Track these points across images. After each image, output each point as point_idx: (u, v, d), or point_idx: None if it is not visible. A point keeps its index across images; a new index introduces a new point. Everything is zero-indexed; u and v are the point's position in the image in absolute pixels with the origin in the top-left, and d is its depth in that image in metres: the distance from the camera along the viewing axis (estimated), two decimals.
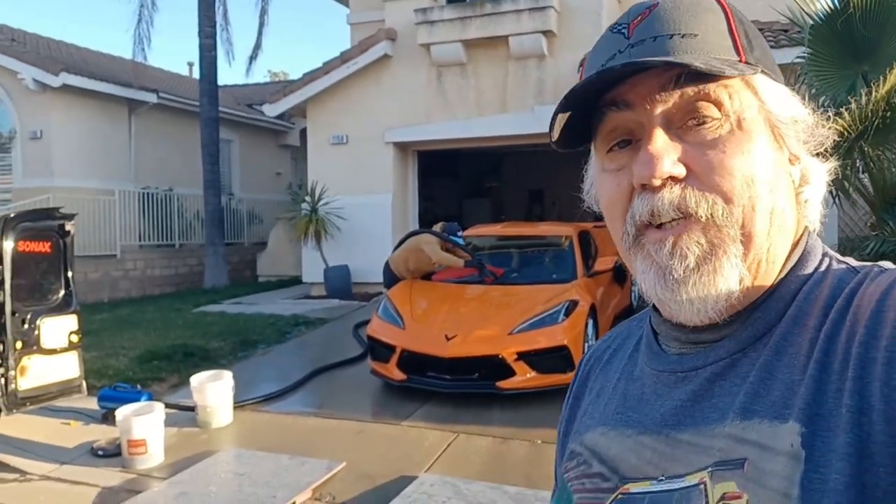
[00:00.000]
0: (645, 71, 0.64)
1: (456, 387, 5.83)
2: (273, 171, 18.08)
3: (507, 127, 10.91)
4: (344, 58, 11.66)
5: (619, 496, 0.66)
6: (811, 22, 5.68)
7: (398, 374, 5.97)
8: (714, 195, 0.63)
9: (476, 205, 16.97)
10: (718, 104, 0.64)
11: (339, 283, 11.29)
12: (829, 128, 0.71)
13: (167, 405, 5.39)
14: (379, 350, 6.22)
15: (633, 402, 0.72)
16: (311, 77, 11.92)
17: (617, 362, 0.80)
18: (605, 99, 0.67)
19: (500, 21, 10.61)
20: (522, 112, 10.77)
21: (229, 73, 73.18)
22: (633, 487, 0.66)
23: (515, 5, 10.51)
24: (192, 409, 5.58)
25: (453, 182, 16.93)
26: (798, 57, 5.77)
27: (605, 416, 0.74)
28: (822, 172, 0.71)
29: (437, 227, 7.46)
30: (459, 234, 7.50)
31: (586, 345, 6.07)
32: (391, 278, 7.31)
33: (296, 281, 13.07)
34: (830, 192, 5.56)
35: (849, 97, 4.89)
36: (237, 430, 5.49)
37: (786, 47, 8.16)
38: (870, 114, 4.60)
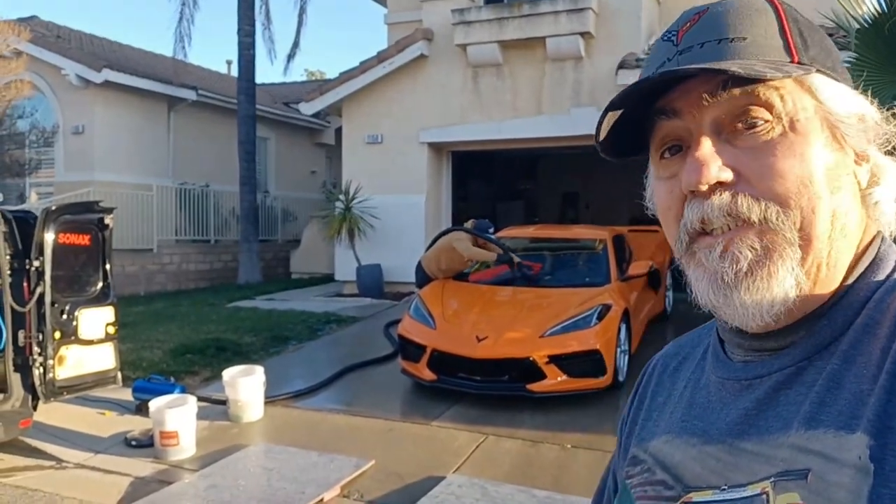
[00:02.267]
0: (692, 78, 0.63)
1: (486, 388, 5.80)
2: (308, 170, 18.23)
3: (543, 129, 10.84)
4: (381, 57, 11.70)
5: None
6: (857, 26, 5.55)
7: (428, 374, 5.97)
8: (767, 200, 0.62)
9: (510, 207, 16.91)
10: (769, 107, 0.63)
11: (371, 282, 11.33)
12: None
13: (199, 398, 5.45)
14: (410, 349, 6.22)
15: (698, 411, 0.71)
16: (347, 76, 11.98)
17: (685, 370, 0.79)
18: (655, 108, 0.67)
19: (538, 22, 10.55)
20: (558, 114, 10.70)
21: (267, 72, 74.05)
22: (696, 496, 0.65)
23: (553, 6, 10.44)
24: (223, 402, 5.63)
25: (487, 184, 16.88)
26: (844, 62, 5.64)
27: (670, 423, 0.74)
28: (893, 170, 0.68)
29: (468, 225, 7.45)
30: (490, 230, 7.47)
31: (618, 349, 6.01)
32: (423, 278, 7.31)
33: (328, 279, 13.14)
34: None
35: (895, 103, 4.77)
36: (267, 425, 5.53)
37: None
38: None
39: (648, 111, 0.68)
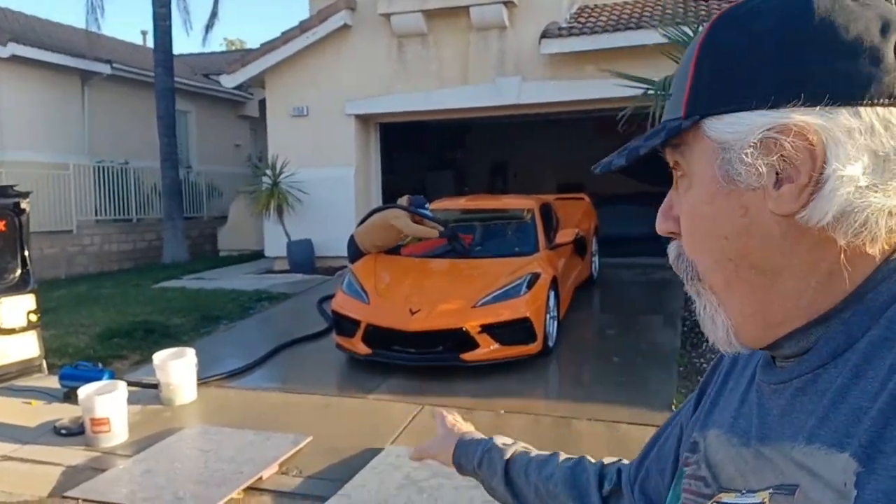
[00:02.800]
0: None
1: (420, 360, 5.90)
2: (232, 143, 17.81)
3: (469, 99, 10.89)
4: (303, 27, 11.48)
5: (714, 503, 0.68)
6: None
7: (363, 349, 6.02)
8: (692, 255, 0.67)
9: (439, 177, 16.94)
10: (677, 167, 0.67)
11: (302, 258, 11.24)
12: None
13: (130, 383, 5.35)
14: (344, 325, 6.25)
15: (745, 410, 0.71)
16: (269, 47, 11.72)
17: (750, 367, 0.77)
18: None
19: None
20: (484, 83, 10.75)
21: (185, 43, 71.41)
22: (725, 497, 0.67)
23: None
24: (155, 386, 5.55)
25: (416, 154, 16.86)
26: None
27: (723, 418, 0.74)
28: (835, 147, 0.57)
29: (403, 201, 7.46)
30: (426, 206, 7.51)
31: (547, 316, 6.18)
32: (356, 252, 7.32)
33: (258, 255, 12.97)
34: None
35: None
36: (201, 406, 5.48)
37: None
38: None
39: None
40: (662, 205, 0.69)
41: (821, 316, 0.61)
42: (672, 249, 0.69)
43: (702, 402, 0.84)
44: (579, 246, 7.81)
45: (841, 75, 0.56)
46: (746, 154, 0.59)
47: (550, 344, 6.23)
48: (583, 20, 10.50)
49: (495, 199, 9.81)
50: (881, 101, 0.56)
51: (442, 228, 7.18)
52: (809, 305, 0.61)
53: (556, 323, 6.52)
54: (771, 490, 0.59)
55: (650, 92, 6.07)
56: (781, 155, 0.58)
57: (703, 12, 9.35)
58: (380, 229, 7.14)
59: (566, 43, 10.01)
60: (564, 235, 7.27)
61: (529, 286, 6.07)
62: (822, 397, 0.59)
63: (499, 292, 6.00)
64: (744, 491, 0.64)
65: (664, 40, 6.31)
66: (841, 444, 0.54)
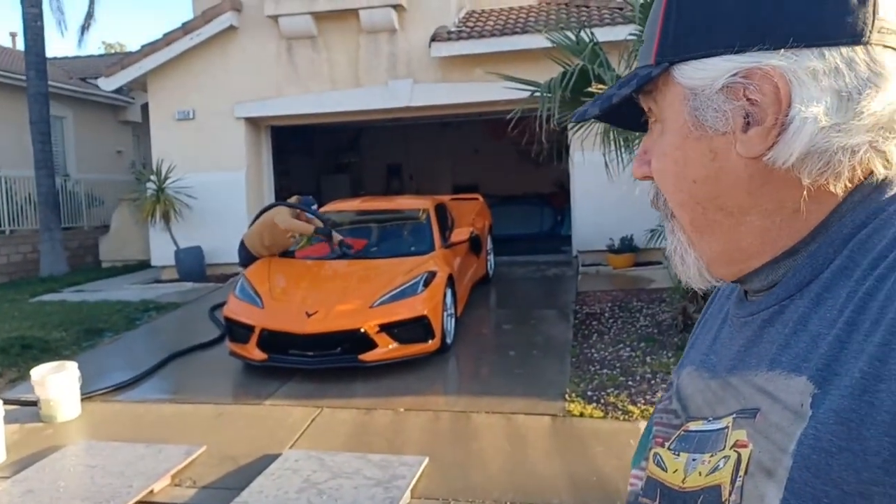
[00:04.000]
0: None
1: (318, 362, 5.83)
2: (113, 150, 16.99)
3: (362, 101, 10.85)
4: (186, 29, 11.10)
5: (682, 433, 0.70)
6: (641, 0, 6.05)
7: (258, 354, 5.89)
8: (666, 193, 0.70)
9: (334, 181, 16.80)
10: (650, 113, 0.69)
11: (192, 266, 10.87)
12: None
13: (6, 401, 5.02)
14: (237, 331, 6.09)
15: (714, 345, 0.74)
16: (151, 49, 11.26)
17: (722, 300, 0.81)
18: None
19: None
20: (376, 86, 10.74)
21: (59, 46, 67.47)
22: (692, 425, 0.69)
23: None
24: (34, 403, 5.23)
25: (310, 158, 16.65)
26: (630, 34, 6.14)
27: (695, 355, 0.77)
28: (802, 116, 0.58)
29: (292, 200, 7.40)
30: (314, 206, 7.46)
31: (445, 314, 6.24)
32: (247, 257, 7.17)
33: (144, 265, 12.42)
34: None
35: None
36: (86, 422, 5.21)
37: (620, 24, 8.65)
38: None
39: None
40: (638, 151, 0.71)
41: (788, 250, 0.64)
42: (651, 190, 0.71)
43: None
44: (475, 244, 7.94)
45: (804, 17, 0.57)
46: (714, 99, 0.61)
47: (448, 341, 6.30)
48: (471, 24, 10.68)
49: (390, 200, 9.84)
50: (844, 41, 0.57)
51: (320, 225, 7.14)
52: (775, 241, 0.64)
53: (453, 320, 6.59)
54: (734, 415, 0.62)
55: (537, 94, 6.25)
56: (748, 99, 0.59)
57: (583, 17, 9.71)
58: (265, 228, 7.09)
59: (455, 46, 10.15)
60: (459, 234, 7.37)
61: (426, 284, 6.12)
62: (785, 326, 0.61)
63: (396, 291, 6.01)
64: (710, 418, 0.66)
65: (549, 44, 6.51)
66: (799, 369, 0.56)
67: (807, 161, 0.59)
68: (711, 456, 0.63)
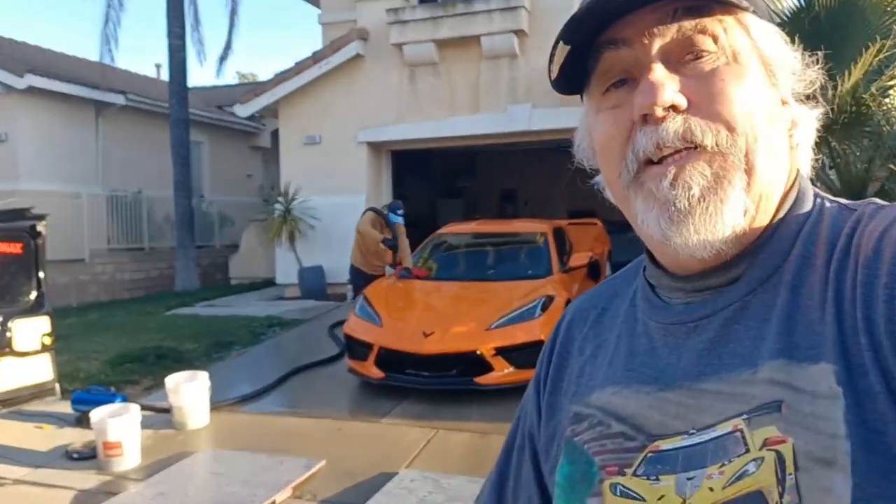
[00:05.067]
0: (640, 8, 0.63)
1: (434, 383, 5.84)
2: (244, 173, 17.94)
3: (480, 126, 10.96)
4: (316, 58, 11.62)
5: (650, 454, 0.64)
6: (777, 20, 5.80)
7: (376, 372, 5.97)
8: (718, 124, 0.62)
9: (449, 205, 17.01)
10: (714, 38, 0.64)
11: (314, 284, 11.24)
12: (819, 70, 0.70)
13: (142, 407, 5.32)
14: (356, 348, 6.21)
15: (643, 358, 0.70)
16: (282, 77, 11.86)
17: (609, 321, 0.78)
18: (602, 38, 0.66)
19: (472, 21, 10.65)
20: (495, 111, 10.83)
21: (198, 75, 72.38)
22: (664, 444, 0.63)
23: (487, 5, 10.56)
24: (167, 410, 5.51)
25: (427, 182, 16.94)
26: None
27: (612, 375, 0.72)
28: (811, 118, 0.71)
29: (384, 206, 7.86)
30: (399, 212, 7.78)
31: None
32: (351, 270, 7.54)
33: (269, 283, 12.98)
34: None
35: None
36: (214, 430, 5.44)
37: None
38: (836, 109, 4.71)
39: (591, 44, 0.66)
40: (654, 76, 0.63)
41: (751, 246, 0.66)
42: (676, 122, 0.62)
43: (542, 394, 0.81)
44: (593, 270, 7.77)
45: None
46: (781, 63, 0.68)
47: None
48: None
49: (507, 223, 9.81)
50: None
51: (399, 231, 7.73)
52: (749, 233, 0.65)
53: None
54: (743, 416, 0.58)
55: None
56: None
57: None
58: (357, 236, 7.71)
59: None
60: (578, 259, 7.24)
61: (544, 309, 6.03)
62: (762, 320, 0.62)
63: (513, 315, 5.96)
64: (692, 430, 0.61)
65: None
66: (811, 357, 0.57)
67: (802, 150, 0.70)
68: (723, 466, 0.58)
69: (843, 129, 4.93)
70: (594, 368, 0.75)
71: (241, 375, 7.01)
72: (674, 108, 0.63)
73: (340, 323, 7.87)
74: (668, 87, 0.62)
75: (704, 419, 0.61)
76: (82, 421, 5.29)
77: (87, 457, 4.84)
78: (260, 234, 12.96)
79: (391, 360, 5.94)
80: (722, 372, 0.62)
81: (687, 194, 0.62)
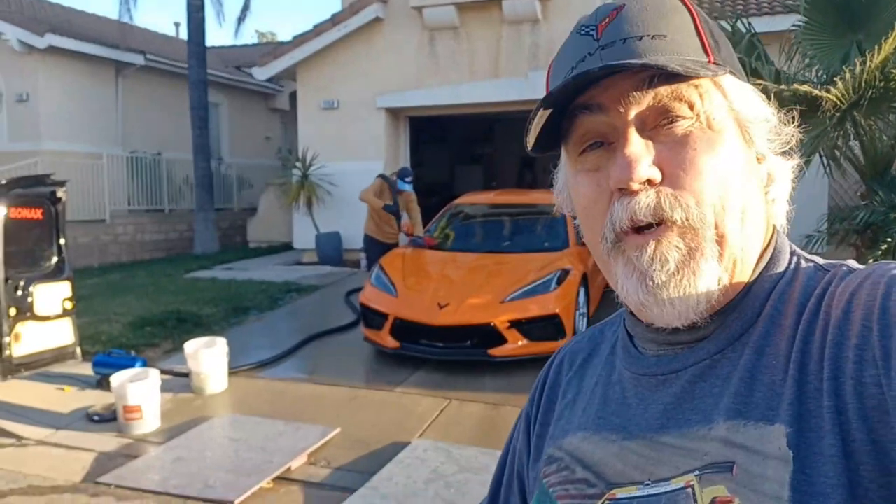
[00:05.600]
0: (617, 73, 0.63)
1: (448, 354, 5.89)
2: (262, 135, 17.94)
3: (501, 92, 10.84)
4: (335, 20, 11.50)
5: (606, 501, 0.66)
6: None
7: (391, 342, 6.02)
8: (687, 197, 0.63)
9: (468, 171, 16.93)
10: (690, 104, 0.64)
11: (331, 250, 11.30)
12: (797, 127, 0.71)
13: (162, 371, 5.42)
14: (372, 317, 6.26)
15: (614, 407, 0.71)
16: (301, 40, 11.77)
17: (592, 367, 0.79)
18: (578, 102, 0.66)
19: None
20: (516, 77, 10.70)
21: (217, 35, 71.90)
22: (620, 493, 0.65)
23: None
24: (186, 375, 5.61)
25: (445, 148, 16.85)
26: (794, 25, 5.75)
27: (584, 420, 0.74)
28: (787, 171, 0.72)
29: (393, 173, 7.92)
30: (408, 178, 7.79)
31: (577, 313, 6.13)
32: (366, 241, 7.58)
33: (287, 247, 13.05)
34: (822, 161, 5.59)
35: (843, 66, 4.90)
36: (231, 396, 5.53)
37: (780, 14, 8.13)
38: (863, 84, 4.60)
39: (567, 106, 0.67)
40: (629, 151, 0.63)
41: (728, 304, 0.66)
42: (649, 196, 0.63)
43: (531, 434, 0.83)
44: None
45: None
46: (758, 121, 0.69)
47: None
48: None
49: (524, 193, 9.76)
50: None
51: (390, 203, 7.83)
52: (728, 292, 0.66)
53: (585, 320, 6.46)
54: (697, 472, 0.60)
55: None
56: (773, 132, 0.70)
57: (740, 6, 9.20)
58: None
59: None
60: None
61: (559, 282, 6.03)
62: (726, 380, 0.62)
63: (528, 288, 5.96)
64: (647, 482, 0.63)
65: None
66: (768, 418, 0.58)
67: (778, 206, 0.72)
68: None
69: (871, 104, 4.82)
70: (572, 413, 0.77)
71: (259, 341, 7.10)
72: (649, 181, 0.64)
73: (357, 290, 7.94)
74: (643, 161, 0.63)
75: (661, 472, 0.63)
76: (103, 383, 5.40)
77: (107, 419, 4.96)
78: (278, 198, 12.99)
79: (406, 330, 5.98)
80: (683, 427, 0.63)
81: (664, 268, 0.64)
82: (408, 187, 7.81)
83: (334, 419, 4.93)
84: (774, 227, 0.72)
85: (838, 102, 4.67)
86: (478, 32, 10.95)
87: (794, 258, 0.69)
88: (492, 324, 5.75)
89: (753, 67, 5.36)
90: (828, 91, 4.64)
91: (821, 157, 5.48)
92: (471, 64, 11.05)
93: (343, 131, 11.64)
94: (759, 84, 4.83)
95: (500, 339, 5.75)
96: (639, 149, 0.63)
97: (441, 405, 5.20)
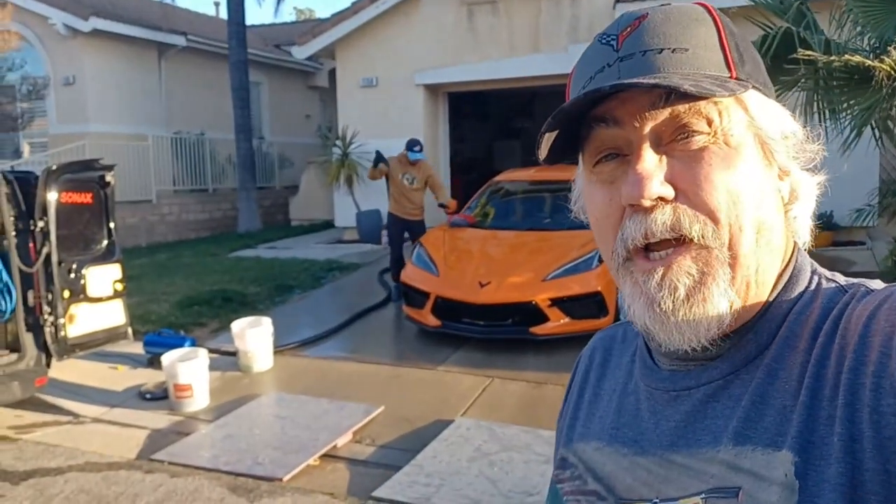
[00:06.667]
0: (634, 88, 0.62)
1: (490, 332, 5.91)
2: (302, 114, 18.03)
3: (540, 67, 10.69)
4: None
5: None
6: None
7: (432, 321, 6.06)
8: (703, 214, 0.62)
9: (506, 147, 16.80)
10: (709, 120, 0.63)
11: (371, 228, 11.31)
12: (819, 144, 0.69)
13: (210, 350, 5.55)
14: (413, 296, 6.30)
15: (627, 419, 0.71)
16: (339, 17, 11.76)
17: (611, 368, 0.79)
18: (593, 114, 0.65)
19: None
20: (555, 51, 10.54)
21: (256, 13, 72.18)
22: None
23: None
24: (233, 354, 5.74)
25: (484, 124, 16.73)
26: None
27: (599, 429, 0.73)
28: (812, 187, 0.69)
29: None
30: (417, 148, 7.77)
31: (619, 291, 6.08)
32: (388, 218, 7.93)
33: (328, 225, 13.17)
34: (874, 133, 5.41)
35: None
36: (277, 374, 5.64)
37: None
38: None
39: (584, 116, 0.66)
40: (641, 167, 0.62)
41: (746, 324, 0.64)
42: (665, 213, 0.62)
43: (564, 428, 0.82)
44: None
45: None
46: (780, 138, 0.66)
47: (622, 319, 6.13)
48: None
49: (565, 169, 9.61)
50: None
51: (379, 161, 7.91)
52: (740, 315, 0.64)
53: None
54: (703, 495, 0.59)
55: None
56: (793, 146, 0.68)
57: None
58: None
59: (642, 5, 9.70)
60: None
61: (601, 260, 5.95)
62: (738, 401, 0.62)
63: (569, 266, 5.93)
64: (655, 500, 0.63)
65: (747, 3, 6.02)
66: (776, 444, 0.57)
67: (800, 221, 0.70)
68: None
69: None
70: (587, 417, 0.77)
71: (303, 319, 7.21)
72: (662, 198, 0.62)
73: (385, 270, 8.03)
74: (655, 179, 0.62)
75: (669, 491, 0.63)
76: (154, 362, 5.56)
77: (158, 397, 5.11)
78: (319, 176, 13.07)
79: (447, 308, 6.01)
80: (692, 446, 0.63)
81: (672, 295, 0.62)
82: (420, 156, 7.78)
83: (378, 397, 5.00)
84: (795, 244, 0.70)
85: (892, 73, 4.50)
86: (516, 6, 10.81)
87: (815, 277, 0.67)
88: (533, 302, 5.74)
89: (802, 37, 5.19)
90: (881, 61, 4.47)
91: (872, 129, 5.31)
92: (510, 38, 10.92)
93: (382, 109, 11.64)
94: (809, 55, 4.69)
95: (542, 318, 5.75)
96: (651, 166, 0.62)
97: (483, 384, 5.23)
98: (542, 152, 0.69)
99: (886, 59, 4.43)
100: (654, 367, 0.70)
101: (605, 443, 0.71)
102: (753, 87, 0.65)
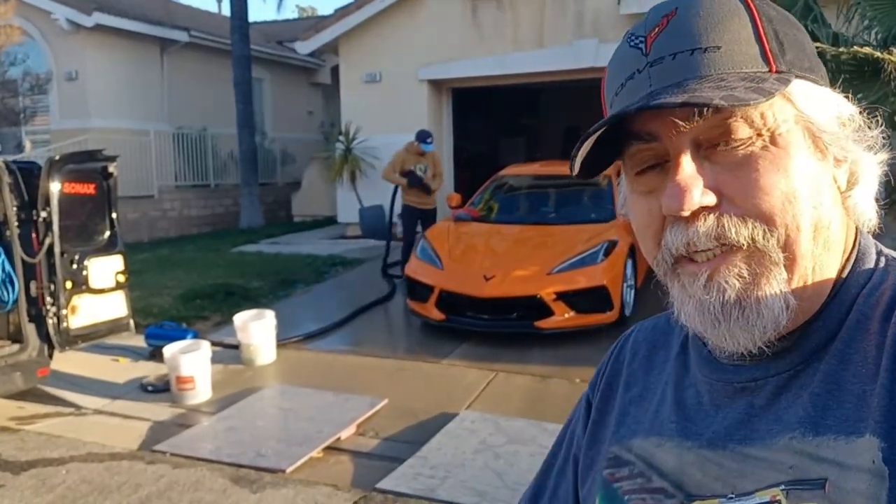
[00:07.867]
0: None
1: (495, 326, 5.87)
2: (305, 111, 17.99)
3: (545, 62, 10.65)
4: None
5: None
6: None
7: (437, 314, 6.03)
8: (753, 219, 0.59)
9: (511, 143, 16.76)
10: (750, 122, 0.59)
11: (374, 223, 11.31)
12: (880, 127, 0.65)
13: (213, 343, 5.52)
14: (418, 290, 6.27)
15: (689, 413, 0.68)
16: (343, 13, 11.71)
17: (659, 362, 0.76)
18: (629, 130, 0.63)
19: None
20: (560, 47, 10.49)
21: (259, 10, 72.23)
22: None
23: None
24: (235, 347, 5.71)
25: (488, 120, 16.68)
26: None
27: (657, 424, 0.71)
28: (873, 166, 0.65)
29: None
30: (429, 139, 7.95)
31: (624, 285, 6.05)
32: (402, 208, 8.01)
33: (331, 221, 13.13)
34: (882, 127, 5.38)
35: None
36: (280, 367, 5.61)
37: None
38: None
39: (620, 129, 0.64)
40: (680, 178, 0.60)
41: (814, 315, 0.62)
42: (708, 222, 0.60)
43: (595, 419, 0.79)
44: None
45: None
46: (833, 127, 0.62)
47: (627, 313, 6.10)
48: None
49: (568, 164, 9.62)
50: None
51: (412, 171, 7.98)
52: (800, 314, 0.61)
53: (633, 292, 6.37)
54: (783, 487, 0.57)
55: None
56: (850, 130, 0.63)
57: None
58: None
59: (647, 2, 9.66)
60: None
61: (607, 254, 5.95)
62: (811, 389, 0.59)
63: (575, 259, 5.90)
64: (731, 495, 0.61)
65: None
66: (858, 430, 0.55)
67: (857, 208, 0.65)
68: None
69: None
70: (639, 412, 0.74)
71: (306, 313, 7.18)
72: (704, 207, 0.60)
73: (394, 264, 8.00)
74: (695, 189, 0.59)
75: (745, 485, 0.60)
76: (156, 355, 5.52)
77: (160, 389, 5.07)
78: (321, 172, 13.04)
79: (452, 302, 5.98)
80: (766, 438, 0.60)
81: (721, 298, 0.60)
82: (431, 147, 7.93)
83: (382, 390, 4.97)
84: (857, 228, 0.67)
85: None
86: (521, 1, 10.76)
87: (882, 259, 0.65)
88: (538, 296, 5.71)
89: (810, 30, 5.15)
90: (890, 53, 4.43)
91: (880, 123, 5.28)
92: (514, 34, 10.87)
93: (385, 104, 11.59)
94: (817, 47, 4.66)
95: (547, 311, 5.71)
96: (689, 176, 0.60)
97: (488, 377, 5.19)
98: (576, 169, 0.66)
99: (895, 51, 4.39)
100: (714, 360, 0.67)
101: (665, 438, 0.69)
102: (798, 76, 0.61)
